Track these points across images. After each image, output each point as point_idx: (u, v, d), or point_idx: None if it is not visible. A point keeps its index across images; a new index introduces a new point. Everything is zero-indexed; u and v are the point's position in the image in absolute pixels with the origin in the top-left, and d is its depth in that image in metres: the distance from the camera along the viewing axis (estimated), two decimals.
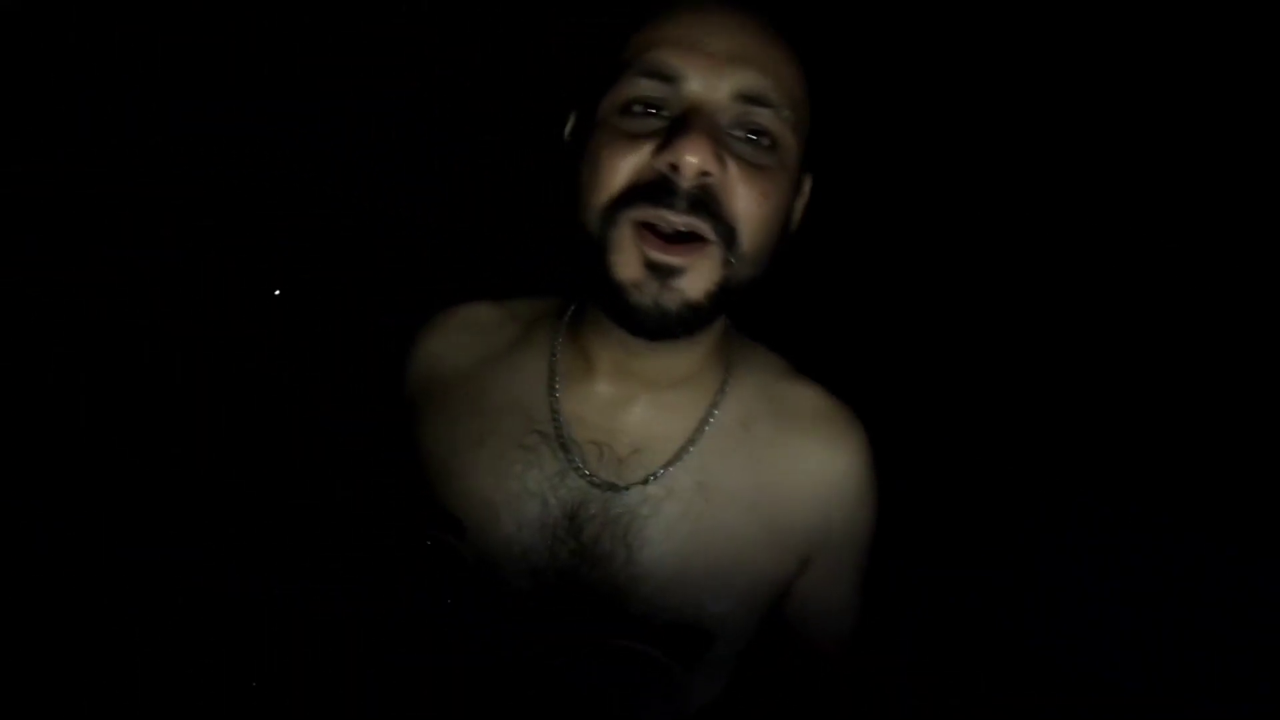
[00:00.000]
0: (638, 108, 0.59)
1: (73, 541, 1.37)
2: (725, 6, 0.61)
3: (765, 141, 0.59)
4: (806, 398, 0.73)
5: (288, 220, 1.79)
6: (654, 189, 0.57)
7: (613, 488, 0.66)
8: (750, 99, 0.58)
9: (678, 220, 0.56)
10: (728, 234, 0.58)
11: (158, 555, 1.33)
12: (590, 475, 0.66)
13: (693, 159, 0.55)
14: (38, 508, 1.42)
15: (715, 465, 0.68)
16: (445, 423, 0.71)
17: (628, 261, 0.58)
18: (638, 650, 0.63)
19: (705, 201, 0.57)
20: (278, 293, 1.76)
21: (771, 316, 0.84)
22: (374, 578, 0.74)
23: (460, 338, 0.74)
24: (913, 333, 1.64)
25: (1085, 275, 1.72)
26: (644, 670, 0.63)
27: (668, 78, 0.58)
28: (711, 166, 0.56)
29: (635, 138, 0.58)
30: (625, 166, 0.58)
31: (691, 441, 0.68)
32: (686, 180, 0.56)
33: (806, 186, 0.69)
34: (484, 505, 0.67)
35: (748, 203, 0.58)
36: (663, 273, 0.57)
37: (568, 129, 0.67)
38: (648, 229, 0.57)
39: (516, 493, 0.67)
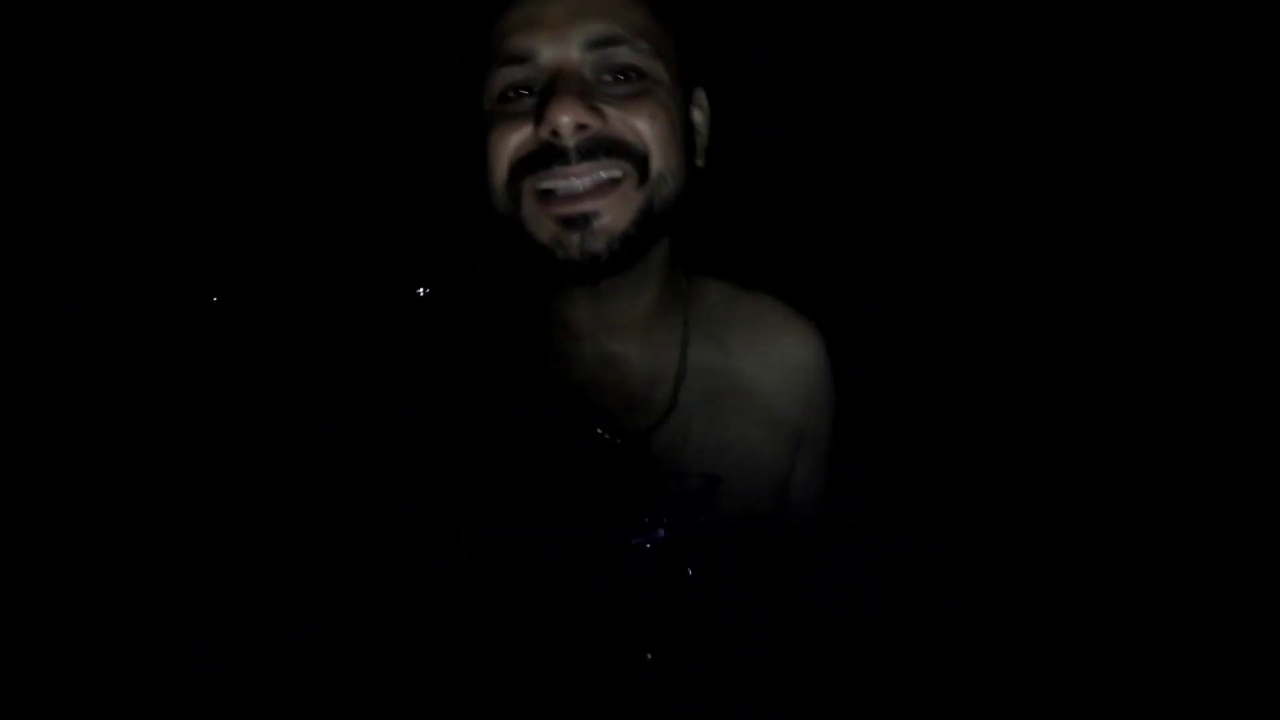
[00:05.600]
0: (511, 93, 0.66)
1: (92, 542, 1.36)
2: None
3: (632, 74, 0.66)
4: (766, 307, 0.86)
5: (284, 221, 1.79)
6: (542, 157, 0.64)
7: (652, 427, 0.75)
8: (600, 44, 0.64)
9: (577, 179, 0.63)
10: (639, 161, 0.65)
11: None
12: (632, 423, 0.74)
13: (564, 118, 0.61)
14: (37, 508, 1.42)
15: (709, 381, 0.79)
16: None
17: (541, 226, 0.66)
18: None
19: (597, 147, 0.63)
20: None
21: None
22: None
23: (434, 335, 0.76)
24: None
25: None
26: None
27: (523, 58, 0.65)
28: (585, 118, 0.62)
29: (515, 117, 0.65)
30: (511, 143, 0.65)
31: (682, 368, 0.78)
32: (569, 139, 0.62)
33: (702, 100, 0.76)
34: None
35: (642, 126, 0.65)
36: (579, 223, 0.64)
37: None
38: (549, 195, 0.65)
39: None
